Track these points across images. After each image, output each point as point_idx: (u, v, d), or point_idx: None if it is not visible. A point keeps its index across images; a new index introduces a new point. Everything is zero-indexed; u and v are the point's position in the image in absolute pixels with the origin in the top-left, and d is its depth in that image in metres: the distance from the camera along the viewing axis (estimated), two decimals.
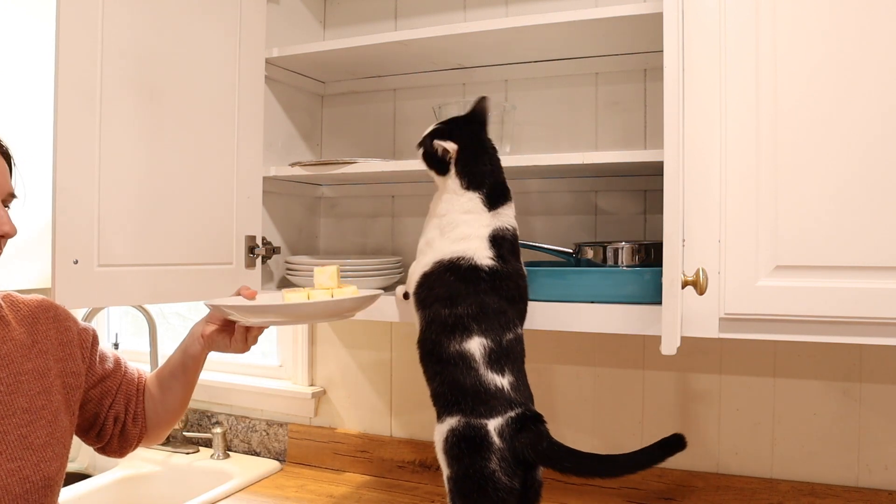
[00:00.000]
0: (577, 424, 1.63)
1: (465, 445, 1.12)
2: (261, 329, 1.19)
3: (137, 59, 1.28)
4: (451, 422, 1.15)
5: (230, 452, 1.95)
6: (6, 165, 1.04)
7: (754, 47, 1.12)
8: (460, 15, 1.71)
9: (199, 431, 1.98)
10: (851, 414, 1.44)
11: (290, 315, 1.17)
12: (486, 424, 1.12)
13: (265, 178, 1.57)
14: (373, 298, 1.21)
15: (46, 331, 1.09)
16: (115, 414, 1.18)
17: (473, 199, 1.26)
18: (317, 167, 1.53)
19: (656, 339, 1.10)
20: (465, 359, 1.16)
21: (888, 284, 1.06)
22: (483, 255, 1.23)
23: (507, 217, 1.27)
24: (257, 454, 1.95)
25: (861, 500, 1.41)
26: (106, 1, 1.21)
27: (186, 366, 1.21)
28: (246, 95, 1.52)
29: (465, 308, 1.19)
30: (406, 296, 1.33)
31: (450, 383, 1.17)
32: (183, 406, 1.25)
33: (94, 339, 1.18)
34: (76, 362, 1.12)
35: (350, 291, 1.20)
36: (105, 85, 1.22)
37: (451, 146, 1.26)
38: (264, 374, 2.01)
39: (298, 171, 1.55)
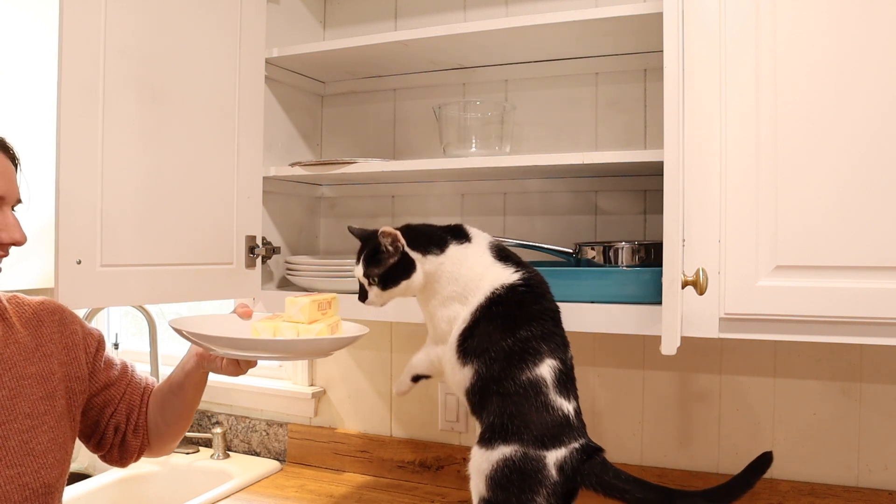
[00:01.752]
0: None
1: (517, 477, 1.06)
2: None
3: (139, 60, 1.28)
4: (506, 451, 1.07)
5: (230, 452, 1.95)
6: (14, 170, 1.02)
7: (754, 47, 1.12)
8: (460, 15, 1.71)
9: (199, 431, 1.98)
10: (851, 414, 1.44)
11: (256, 351, 1.08)
12: (546, 457, 1.06)
13: (265, 178, 1.58)
14: (350, 339, 1.13)
15: (51, 334, 1.08)
16: (115, 424, 1.15)
17: (448, 252, 1.19)
18: (317, 167, 1.53)
19: (656, 339, 1.10)
20: (536, 385, 1.09)
21: (888, 284, 1.06)
22: (506, 275, 1.17)
23: (482, 237, 1.23)
24: (257, 454, 1.95)
25: (861, 500, 1.41)
26: (108, 2, 1.21)
27: (184, 384, 1.16)
28: (246, 95, 1.52)
29: (528, 330, 1.12)
30: (416, 379, 1.26)
31: (512, 414, 1.09)
32: (184, 423, 1.21)
33: (100, 344, 1.16)
34: (80, 366, 1.10)
35: (317, 330, 1.09)
36: (107, 85, 1.22)
37: (394, 231, 1.17)
38: (264, 374, 2.01)
39: (298, 171, 1.55)
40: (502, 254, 1.21)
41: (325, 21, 1.86)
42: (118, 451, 1.17)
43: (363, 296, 1.21)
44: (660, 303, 1.08)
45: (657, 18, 1.11)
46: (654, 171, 1.32)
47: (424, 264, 1.18)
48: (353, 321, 1.26)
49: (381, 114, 1.81)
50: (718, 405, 1.53)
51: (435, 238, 1.21)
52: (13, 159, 1.02)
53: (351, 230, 1.30)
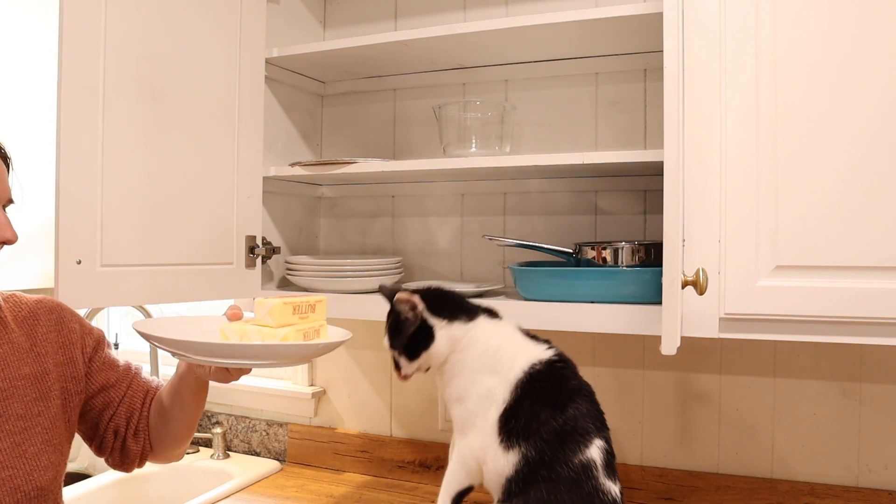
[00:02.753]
0: None
1: None
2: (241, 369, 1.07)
3: (139, 60, 1.28)
4: None
5: (230, 452, 1.95)
6: (4, 169, 1.01)
7: (754, 47, 1.12)
8: (460, 15, 1.71)
9: (199, 431, 1.98)
10: (851, 414, 1.44)
11: (198, 353, 0.99)
12: None
13: (265, 178, 1.58)
14: (320, 347, 1.04)
15: (47, 332, 1.06)
16: (115, 427, 1.13)
17: (478, 321, 1.13)
18: (317, 167, 1.53)
19: (656, 339, 1.10)
20: (588, 469, 1.01)
21: (888, 284, 1.06)
22: (540, 351, 1.11)
23: (511, 318, 1.18)
24: (257, 454, 1.95)
25: (861, 500, 1.41)
26: (108, 2, 1.21)
27: (180, 389, 1.13)
28: (246, 95, 1.52)
29: (574, 408, 1.05)
30: (458, 499, 1.12)
31: (559, 501, 1.00)
32: (185, 429, 1.17)
33: (98, 344, 1.13)
34: (76, 366, 1.08)
35: (281, 335, 1.00)
36: (107, 85, 1.22)
37: (410, 297, 1.11)
38: (264, 374, 2.01)
39: (298, 171, 1.55)
40: (530, 334, 1.16)
41: (325, 21, 1.86)
42: (119, 455, 1.15)
43: (397, 367, 1.16)
44: (660, 303, 1.07)
45: (657, 18, 1.11)
46: (654, 171, 1.32)
47: (450, 330, 1.11)
48: (352, 320, 1.25)
49: (381, 114, 1.81)
50: (718, 405, 1.53)
51: (464, 306, 1.15)
52: (5, 159, 1.01)
53: (381, 290, 1.23)
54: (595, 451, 1.03)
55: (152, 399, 1.17)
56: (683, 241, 1.11)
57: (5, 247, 1.01)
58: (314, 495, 1.66)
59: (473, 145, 1.50)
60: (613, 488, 1.03)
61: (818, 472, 1.46)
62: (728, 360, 1.52)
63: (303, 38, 1.73)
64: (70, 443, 1.07)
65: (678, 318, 1.07)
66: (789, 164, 1.11)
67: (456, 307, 1.14)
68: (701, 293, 1.07)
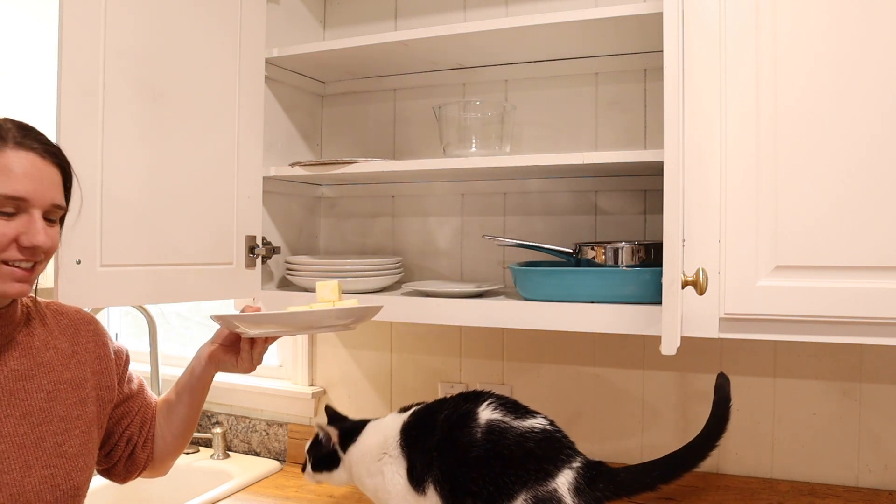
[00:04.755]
0: (577, 424, 1.63)
1: None
2: (265, 345, 1.17)
3: (139, 60, 1.28)
4: None
5: (230, 452, 1.95)
6: (57, 176, 0.99)
7: (754, 47, 1.12)
8: (460, 15, 1.71)
9: (199, 431, 1.98)
10: (851, 414, 1.44)
11: (293, 324, 1.14)
12: (557, 488, 1.11)
13: (265, 178, 1.58)
14: (375, 309, 1.19)
15: (86, 343, 1.10)
16: (128, 436, 1.17)
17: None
18: (317, 167, 1.53)
19: (656, 339, 1.10)
20: (494, 426, 1.18)
21: (888, 284, 1.06)
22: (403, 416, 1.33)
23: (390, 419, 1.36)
24: (257, 454, 1.95)
25: (861, 500, 1.41)
26: (108, 2, 1.21)
27: (194, 388, 1.19)
28: (246, 95, 1.52)
29: (442, 415, 1.25)
30: None
31: (496, 472, 1.15)
32: (188, 431, 1.23)
33: (127, 359, 1.19)
34: (110, 376, 1.12)
35: (351, 303, 1.18)
36: (107, 85, 1.22)
37: (331, 430, 1.38)
38: (264, 374, 2.01)
39: (298, 171, 1.55)
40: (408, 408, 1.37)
41: (325, 21, 1.86)
42: (124, 464, 1.18)
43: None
44: (660, 303, 1.08)
45: (657, 18, 1.11)
46: (654, 171, 1.32)
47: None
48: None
49: (381, 114, 1.81)
50: None
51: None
52: (60, 166, 1.00)
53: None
54: (486, 412, 1.18)
55: (156, 409, 1.22)
56: (683, 241, 1.11)
57: (43, 256, 1.00)
58: (314, 495, 1.66)
59: (473, 145, 1.50)
60: (535, 422, 1.17)
61: (818, 472, 1.46)
62: (728, 360, 1.52)
63: (303, 38, 1.73)
64: (98, 448, 1.11)
65: (678, 318, 1.07)
66: (789, 163, 1.11)
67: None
68: (701, 293, 1.07)
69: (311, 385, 1.92)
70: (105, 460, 1.17)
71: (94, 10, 1.19)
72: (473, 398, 1.23)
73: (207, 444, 1.96)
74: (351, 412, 1.87)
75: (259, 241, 1.56)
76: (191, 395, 1.19)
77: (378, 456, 1.29)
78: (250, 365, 1.16)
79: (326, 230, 1.88)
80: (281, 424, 1.92)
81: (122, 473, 1.19)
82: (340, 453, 1.37)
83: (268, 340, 1.17)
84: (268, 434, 1.94)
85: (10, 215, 0.92)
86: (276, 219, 1.68)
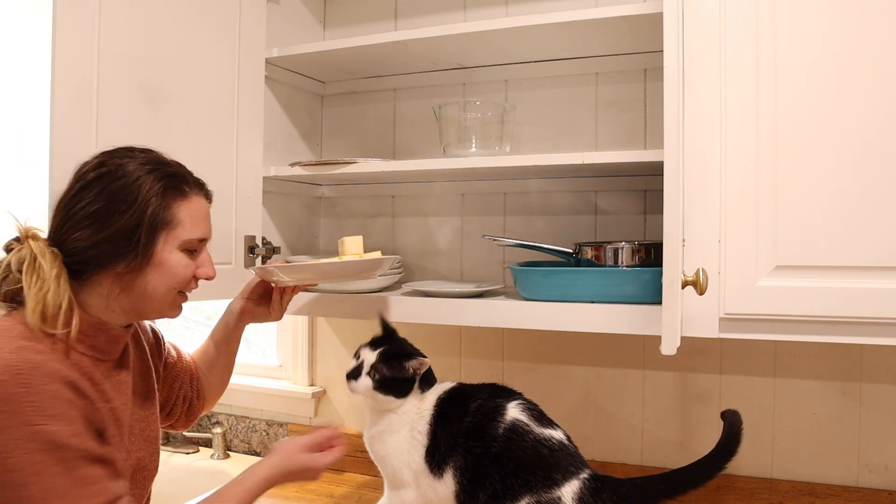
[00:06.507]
0: (577, 425, 1.63)
1: None
2: (293, 293, 1.32)
3: (136, 61, 1.27)
4: None
5: (230, 452, 1.95)
6: (209, 206, 1.10)
7: (754, 47, 1.12)
8: (460, 15, 1.71)
9: (199, 431, 1.98)
10: (851, 414, 1.44)
11: (326, 274, 1.31)
12: (561, 497, 1.12)
13: (265, 178, 1.57)
14: (391, 259, 1.33)
15: (146, 335, 1.20)
16: (184, 394, 1.27)
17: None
18: (317, 167, 1.53)
19: (656, 339, 1.10)
20: (517, 429, 1.18)
21: (888, 284, 1.06)
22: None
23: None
24: (257, 454, 1.95)
25: (861, 500, 1.41)
26: (103, 3, 1.20)
27: (230, 339, 1.32)
28: (246, 95, 1.52)
29: (476, 400, 1.24)
30: None
31: (510, 470, 1.16)
32: (228, 373, 1.36)
33: (162, 336, 1.28)
34: (158, 368, 1.21)
35: (376, 254, 1.33)
36: (102, 87, 1.20)
37: (425, 361, 1.27)
38: (264, 375, 2.01)
39: (298, 171, 1.55)
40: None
41: (325, 21, 1.86)
42: (185, 416, 1.30)
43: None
44: (660, 303, 1.08)
45: (657, 18, 1.11)
46: (654, 171, 1.32)
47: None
48: (352, 320, 1.29)
49: (381, 114, 1.81)
50: (718, 405, 1.53)
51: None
52: (208, 196, 1.10)
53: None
54: (513, 411, 1.18)
55: (196, 363, 1.32)
56: (683, 241, 1.11)
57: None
58: (314, 495, 1.66)
59: (473, 145, 1.50)
60: (554, 433, 1.17)
61: (818, 472, 1.46)
62: (728, 360, 1.52)
63: (303, 38, 1.73)
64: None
65: (678, 318, 1.07)
66: (789, 163, 1.11)
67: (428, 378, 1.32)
68: (701, 293, 1.07)
69: (311, 385, 1.91)
70: (167, 419, 1.28)
71: (88, 10, 1.18)
72: (505, 394, 1.24)
73: (207, 444, 1.96)
74: (351, 412, 1.88)
75: (259, 241, 1.56)
76: (227, 346, 1.32)
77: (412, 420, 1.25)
78: (280, 313, 1.32)
79: (326, 230, 1.88)
80: (281, 424, 1.92)
81: (184, 423, 1.32)
82: (417, 389, 1.26)
83: (296, 289, 1.32)
84: (268, 434, 1.94)
85: (193, 252, 1.05)
86: (276, 219, 1.68)
